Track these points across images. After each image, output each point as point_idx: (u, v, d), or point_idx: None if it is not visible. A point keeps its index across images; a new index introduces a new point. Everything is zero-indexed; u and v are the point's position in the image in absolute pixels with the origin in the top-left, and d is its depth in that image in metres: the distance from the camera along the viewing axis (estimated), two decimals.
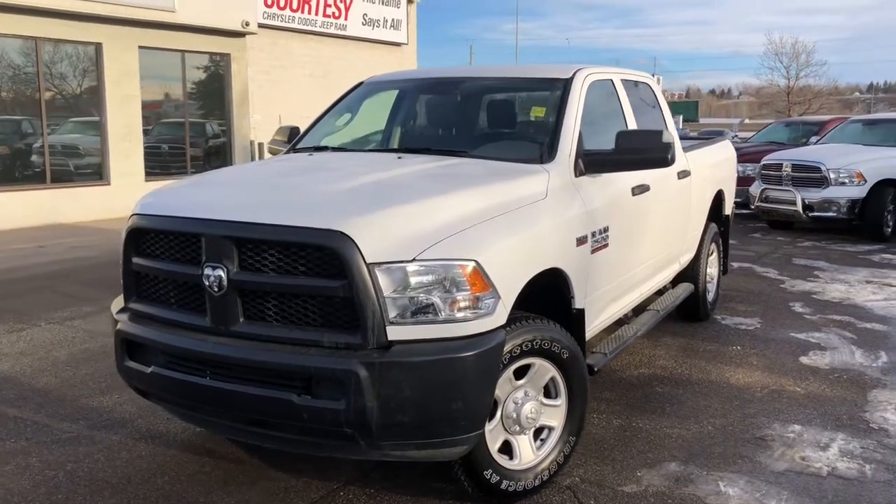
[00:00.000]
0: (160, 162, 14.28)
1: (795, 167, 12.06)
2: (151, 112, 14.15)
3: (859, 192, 11.58)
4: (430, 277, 2.89)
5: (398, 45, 32.85)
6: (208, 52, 14.63)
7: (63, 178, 12.98)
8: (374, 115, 4.89)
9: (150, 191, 3.64)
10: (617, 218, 4.21)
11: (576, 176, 3.89)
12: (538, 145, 4.01)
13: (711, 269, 6.68)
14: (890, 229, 11.76)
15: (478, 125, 4.57)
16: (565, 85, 4.26)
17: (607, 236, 4.05)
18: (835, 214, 11.67)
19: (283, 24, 26.80)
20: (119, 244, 3.51)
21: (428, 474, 3.69)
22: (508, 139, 4.30)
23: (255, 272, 3.00)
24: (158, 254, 3.29)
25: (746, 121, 64.19)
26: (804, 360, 5.61)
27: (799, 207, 11.81)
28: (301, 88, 28.08)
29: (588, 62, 4.72)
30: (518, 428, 3.38)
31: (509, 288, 3.10)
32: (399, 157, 3.83)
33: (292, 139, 4.88)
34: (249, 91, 15.37)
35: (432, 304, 2.89)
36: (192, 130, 14.81)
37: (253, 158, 15.45)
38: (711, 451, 4.02)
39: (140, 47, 13.32)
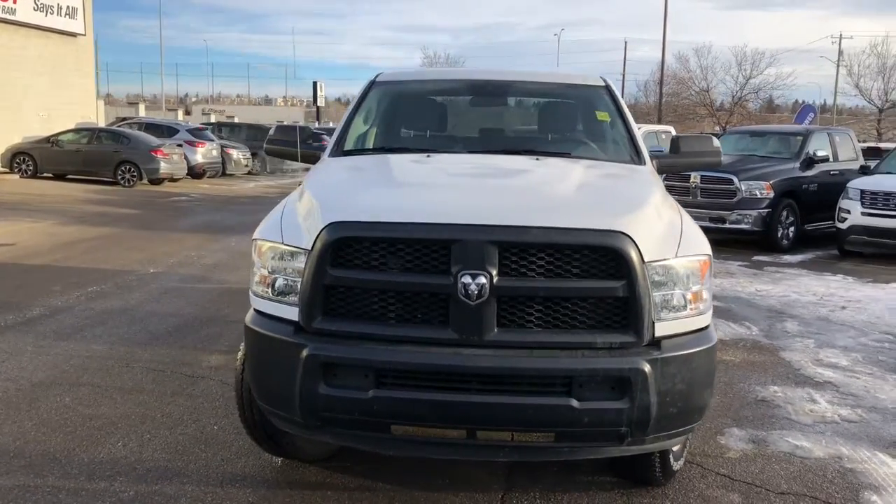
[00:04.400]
0: None
1: None
2: None
3: None
4: (683, 272, 3.03)
5: (74, 35, 29.56)
6: None
7: None
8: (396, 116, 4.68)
9: (334, 198, 3.19)
10: None
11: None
12: (624, 148, 4.26)
13: None
14: None
15: (555, 128, 4.61)
16: (609, 90, 4.57)
17: None
18: None
19: None
20: None
21: (574, 471, 3.76)
22: (593, 141, 4.43)
23: (519, 277, 2.87)
24: (376, 265, 2.93)
25: None
26: None
27: None
28: None
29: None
30: None
31: None
32: (537, 159, 3.81)
33: (306, 140, 4.48)
34: None
35: (683, 299, 3.04)
36: None
37: None
38: (745, 416, 4.64)
39: None
